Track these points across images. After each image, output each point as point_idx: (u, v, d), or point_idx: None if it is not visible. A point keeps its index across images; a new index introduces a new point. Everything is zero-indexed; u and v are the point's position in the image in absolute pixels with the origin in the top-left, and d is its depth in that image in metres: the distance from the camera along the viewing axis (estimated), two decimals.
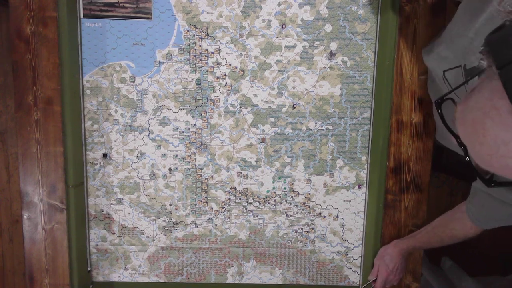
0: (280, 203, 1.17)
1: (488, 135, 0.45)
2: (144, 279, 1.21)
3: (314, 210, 1.17)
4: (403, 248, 1.09)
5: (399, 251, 1.09)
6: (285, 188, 1.16)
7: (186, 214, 1.17)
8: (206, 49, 1.10)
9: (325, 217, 1.17)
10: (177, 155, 1.15)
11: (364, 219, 1.17)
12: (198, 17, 1.09)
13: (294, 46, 1.10)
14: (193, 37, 1.10)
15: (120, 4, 1.09)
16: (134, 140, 1.14)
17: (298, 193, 1.16)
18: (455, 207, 1.00)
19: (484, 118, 0.45)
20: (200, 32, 1.10)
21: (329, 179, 1.15)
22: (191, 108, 1.13)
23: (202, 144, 1.14)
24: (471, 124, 0.47)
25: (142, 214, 1.18)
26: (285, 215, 1.17)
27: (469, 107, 0.47)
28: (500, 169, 0.46)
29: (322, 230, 1.18)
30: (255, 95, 1.12)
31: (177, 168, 1.15)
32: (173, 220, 1.18)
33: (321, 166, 1.15)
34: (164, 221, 1.18)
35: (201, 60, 1.11)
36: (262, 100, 1.12)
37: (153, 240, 1.19)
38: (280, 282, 1.21)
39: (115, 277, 1.21)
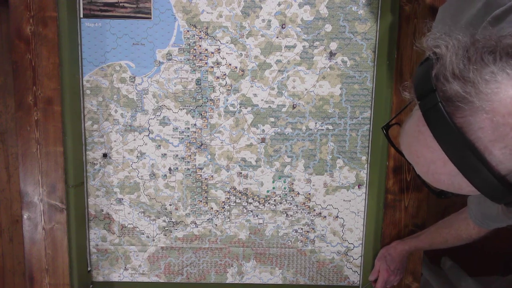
0: (280, 203, 1.17)
1: (419, 156, 0.51)
2: (144, 279, 1.21)
3: (314, 210, 1.17)
4: (404, 249, 1.09)
5: (400, 251, 1.09)
6: (285, 188, 1.16)
7: (186, 214, 1.17)
8: (206, 49, 1.10)
9: (325, 217, 1.17)
10: (177, 155, 1.15)
11: (364, 219, 1.17)
12: (198, 17, 1.09)
13: (294, 46, 1.10)
14: (193, 37, 1.10)
15: (120, 4, 1.09)
16: (134, 140, 1.14)
17: (298, 193, 1.16)
18: (461, 209, 0.99)
19: (414, 141, 0.51)
20: (200, 32, 1.10)
21: (329, 179, 1.15)
22: (191, 108, 1.13)
23: (202, 144, 1.14)
24: (407, 147, 0.53)
25: (142, 214, 1.18)
26: (285, 215, 1.17)
27: (405, 132, 0.53)
28: (436, 184, 0.52)
29: (322, 230, 1.18)
30: (255, 95, 1.12)
31: (177, 168, 1.15)
32: (173, 220, 1.18)
33: (321, 166, 1.15)
34: (164, 221, 1.18)
35: (201, 60, 1.11)
36: (262, 100, 1.12)
37: (153, 240, 1.19)
38: (280, 282, 1.21)
39: (115, 277, 1.21)
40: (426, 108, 0.48)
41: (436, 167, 0.49)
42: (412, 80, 0.51)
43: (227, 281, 1.21)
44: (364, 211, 1.17)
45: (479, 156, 0.45)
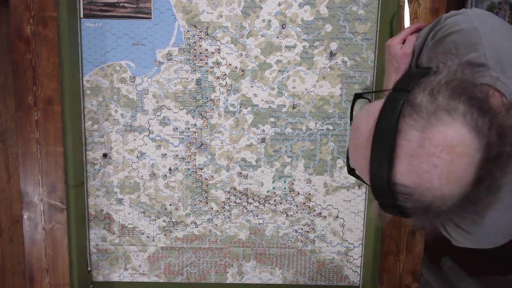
0: (280, 203, 1.17)
1: (358, 128, 0.58)
2: (144, 279, 1.21)
3: (314, 210, 1.17)
4: None
5: None
6: (285, 188, 1.16)
7: (186, 214, 1.17)
8: (206, 49, 1.10)
9: (325, 217, 1.17)
10: (177, 155, 1.15)
11: (364, 219, 1.17)
12: (198, 17, 1.09)
13: (294, 46, 1.10)
14: (193, 37, 1.10)
15: (120, 4, 1.09)
16: (134, 140, 1.14)
17: (298, 193, 1.16)
18: None
19: (362, 115, 0.58)
20: (200, 32, 1.10)
21: (329, 179, 1.15)
22: (191, 108, 1.13)
23: (202, 144, 1.14)
24: (356, 116, 0.60)
25: (142, 214, 1.18)
26: (285, 215, 1.17)
27: (363, 108, 0.60)
28: (353, 157, 0.60)
29: (322, 230, 1.18)
30: (255, 95, 1.12)
31: (177, 168, 1.15)
32: (173, 220, 1.18)
33: (321, 166, 1.15)
34: (164, 221, 1.18)
35: (201, 60, 1.11)
36: (262, 100, 1.12)
37: (153, 240, 1.19)
38: (280, 282, 1.21)
39: (115, 277, 1.21)
40: (392, 98, 0.53)
41: (361, 142, 0.55)
42: (406, 74, 0.56)
43: (227, 281, 1.21)
44: (364, 211, 1.17)
45: (391, 158, 0.51)
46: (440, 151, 0.49)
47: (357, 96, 0.64)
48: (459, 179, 0.50)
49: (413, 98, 0.51)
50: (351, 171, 0.63)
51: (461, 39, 0.68)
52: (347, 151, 0.63)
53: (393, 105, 0.52)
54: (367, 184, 0.59)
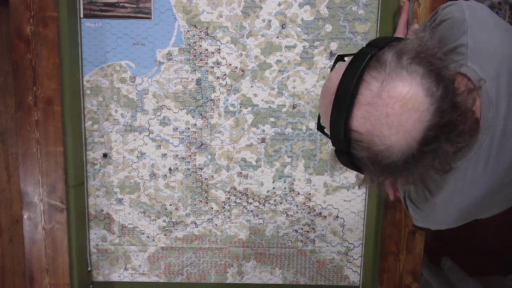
0: (280, 203, 1.17)
1: (329, 80, 0.62)
2: (144, 279, 1.21)
3: (314, 210, 1.17)
4: None
5: None
6: (285, 188, 1.16)
7: (186, 214, 1.17)
8: (206, 49, 1.10)
9: (325, 217, 1.17)
10: (177, 155, 1.15)
11: (364, 219, 1.17)
12: (198, 17, 1.09)
13: (294, 46, 1.10)
14: (193, 37, 1.10)
15: (120, 4, 1.09)
16: (134, 140, 1.14)
17: (298, 193, 1.16)
18: None
19: (332, 74, 0.63)
20: (200, 32, 1.10)
21: (329, 179, 1.15)
22: (191, 108, 1.13)
23: (202, 144, 1.14)
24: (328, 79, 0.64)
25: (142, 214, 1.18)
26: (285, 215, 1.17)
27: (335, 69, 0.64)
28: (322, 110, 0.64)
29: (322, 230, 1.18)
30: (255, 95, 1.12)
31: (177, 168, 1.15)
32: (173, 220, 1.18)
33: (321, 166, 1.15)
34: (164, 221, 1.18)
35: (201, 60, 1.11)
36: (262, 100, 1.12)
37: (153, 240, 1.19)
38: (280, 282, 1.21)
39: (115, 277, 1.21)
40: (363, 51, 0.58)
41: (330, 88, 0.59)
42: (381, 37, 0.61)
43: (227, 281, 1.21)
44: (364, 211, 1.17)
45: (351, 104, 0.55)
46: (394, 103, 0.54)
47: (339, 58, 0.66)
48: (407, 133, 0.54)
49: (381, 54, 0.56)
50: (320, 128, 0.68)
51: (450, 27, 0.72)
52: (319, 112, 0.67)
53: (362, 58, 0.57)
54: (328, 137, 0.63)
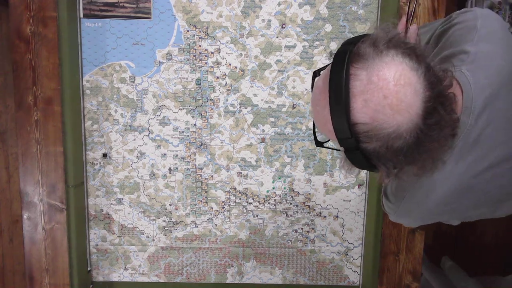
0: (280, 203, 1.17)
1: (316, 90, 0.63)
2: (144, 279, 1.21)
3: (314, 210, 1.17)
4: None
5: None
6: (285, 188, 1.16)
7: (186, 214, 1.17)
8: (206, 49, 1.10)
9: (325, 216, 1.17)
10: (177, 155, 1.15)
11: (364, 219, 1.17)
12: (198, 17, 1.09)
13: (294, 46, 1.10)
14: (193, 37, 1.10)
15: (120, 4, 1.09)
16: (134, 140, 1.14)
17: (298, 193, 1.16)
18: None
19: (317, 84, 0.64)
20: (200, 32, 1.10)
21: (329, 179, 1.15)
22: (191, 108, 1.13)
23: (202, 144, 1.14)
24: (314, 89, 0.65)
25: (142, 214, 1.18)
26: (285, 215, 1.17)
27: (319, 79, 0.65)
28: (317, 123, 0.64)
29: (322, 230, 1.18)
30: (255, 95, 1.12)
31: (177, 168, 1.15)
32: (173, 220, 1.18)
33: (321, 166, 1.15)
34: (164, 221, 1.18)
35: (201, 60, 1.11)
36: (262, 100, 1.12)
37: (153, 240, 1.19)
38: (280, 282, 1.21)
39: (115, 277, 1.21)
40: (340, 50, 0.60)
41: (321, 93, 0.60)
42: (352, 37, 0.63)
43: (227, 281, 1.21)
44: (364, 211, 1.17)
45: (347, 98, 0.56)
46: (387, 84, 0.55)
47: (315, 74, 0.67)
48: (409, 107, 0.55)
49: (358, 48, 0.59)
50: (319, 144, 0.68)
51: (461, 31, 0.74)
52: (313, 124, 0.68)
53: (343, 55, 0.58)
54: (334, 149, 0.63)
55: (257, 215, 1.17)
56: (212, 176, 1.16)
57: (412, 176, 0.64)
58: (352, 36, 1.08)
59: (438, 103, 0.57)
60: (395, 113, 0.55)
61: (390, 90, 0.55)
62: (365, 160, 0.60)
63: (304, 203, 1.17)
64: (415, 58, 0.57)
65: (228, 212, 1.17)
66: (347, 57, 0.58)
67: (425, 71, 0.57)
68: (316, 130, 0.69)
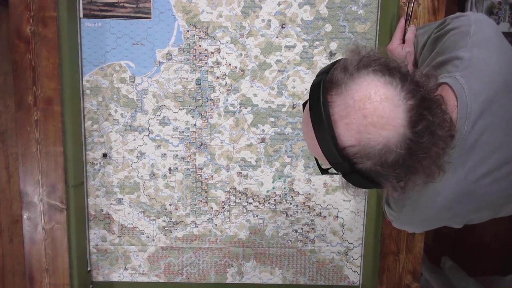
0: (280, 203, 1.17)
1: (304, 123, 0.65)
2: (144, 279, 1.21)
3: (314, 210, 1.17)
4: None
5: None
6: (285, 188, 1.16)
7: (186, 214, 1.17)
8: (206, 49, 1.10)
9: (325, 216, 1.17)
10: (177, 155, 1.15)
11: (364, 218, 1.17)
12: (198, 17, 1.09)
13: (294, 46, 1.10)
14: (193, 37, 1.10)
15: (120, 4, 1.09)
16: (134, 140, 1.14)
17: (298, 193, 1.16)
18: None
19: (304, 118, 0.66)
20: (200, 32, 1.10)
21: (329, 179, 1.15)
22: (191, 108, 1.13)
23: (202, 144, 1.14)
24: (304, 126, 0.67)
25: (142, 214, 1.18)
26: (285, 215, 1.17)
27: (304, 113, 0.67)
28: (313, 152, 0.65)
29: (322, 230, 1.18)
30: (255, 95, 1.12)
31: (177, 168, 1.15)
32: (173, 220, 1.18)
33: None
34: (164, 221, 1.18)
35: (201, 60, 1.11)
36: (262, 100, 1.12)
37: (153, 240, 1.19)
38: (280, 282, 1.21)
39: (115, 277, 1.21)
40: (315, 81, 0.62)
41: (307, 126, 0.62)
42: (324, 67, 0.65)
43: (227, 281, 1.21)
44: (364, 210, 1.17)
45: (330, 126, 0.58)
46: (363, 104, 0.57)
47: (304, 105, 0.69)
48: (391, 121, 0.56)
49: (331, 76, 0.61)
50: (324, 171, 0.68)
51: (454, 37, 0.74)
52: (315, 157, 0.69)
53: (317, 87, 0.61)
54: (335, 173, 0.65)
55: (257, 215, 1.17)
56: (212, 176, 1.16)
57: (422, 185, 0.64)
58: (352, 36, 1.09)
59: (424, 109, 0.58)
60: (379, 130, 0.56)
61: (368, 110, 0.56)
62: (366, 180, 0.61)
63: (304, 203, 1.17)
64: (387, 73, 0.58)
65: (228, 212, 1.17)
66: (321, 87, 0.60)
67: (401, 82, 0.58)
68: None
